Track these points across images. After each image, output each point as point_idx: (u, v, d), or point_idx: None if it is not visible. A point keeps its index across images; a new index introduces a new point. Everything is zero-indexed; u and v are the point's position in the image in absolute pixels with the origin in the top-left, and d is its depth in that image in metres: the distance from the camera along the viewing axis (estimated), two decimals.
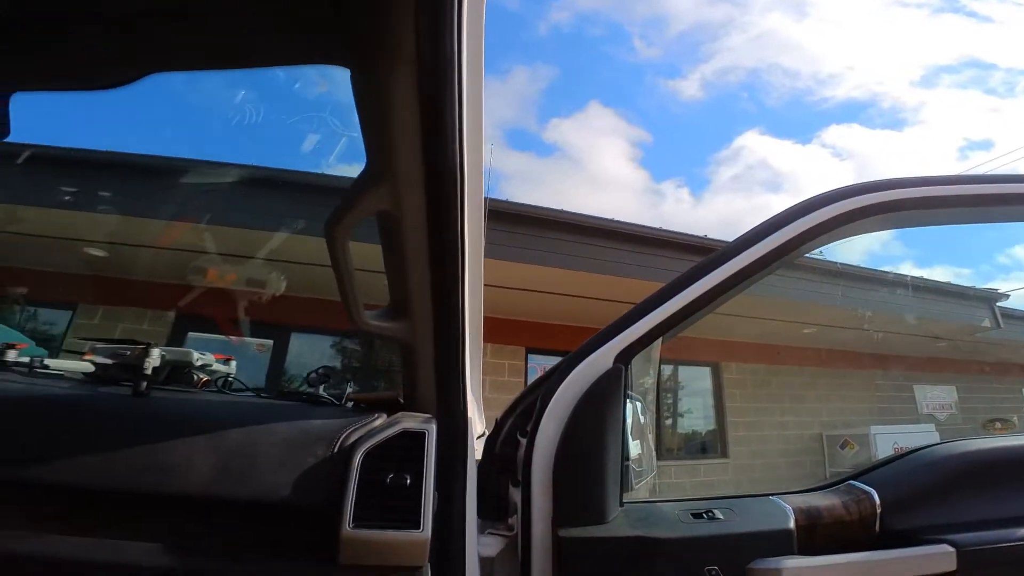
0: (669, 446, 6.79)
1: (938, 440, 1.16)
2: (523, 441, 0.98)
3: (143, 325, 4.82)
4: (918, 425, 7.03)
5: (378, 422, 0.87)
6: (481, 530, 1.02)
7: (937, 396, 7.87)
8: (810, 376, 7.32)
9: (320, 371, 1.07)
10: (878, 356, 7.48)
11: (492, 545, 1.01)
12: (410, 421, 0.84)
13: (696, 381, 7.17)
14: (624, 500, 0.98)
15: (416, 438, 0.81)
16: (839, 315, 6.20)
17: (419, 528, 0.73)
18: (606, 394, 0.93)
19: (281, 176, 3.53)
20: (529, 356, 5.93)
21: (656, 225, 5.43)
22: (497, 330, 5.67)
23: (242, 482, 0.74)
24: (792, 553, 0.92)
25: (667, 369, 6.92)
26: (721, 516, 0.96)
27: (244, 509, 0.76)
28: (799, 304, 5.86)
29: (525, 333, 5.86)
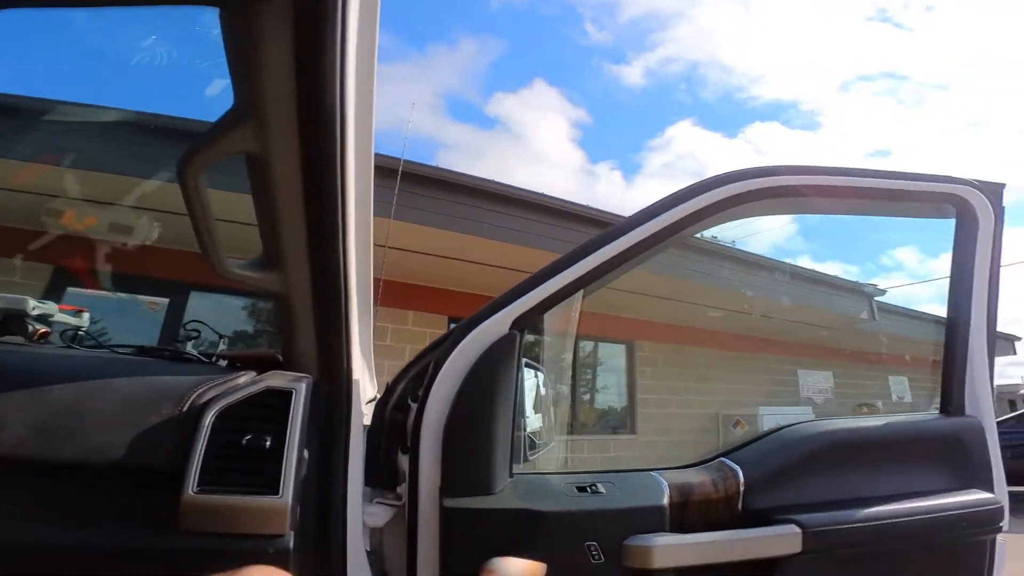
0: (583, 421, 7.06)
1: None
2: (414, 406, 0.93)
3: (13, 278, 4.22)
4: (799, 408, 7.81)
5: (242, 379, 0.78)
6: (369, 499, 0.98)
7: (817, 381, 8.78)
8: (713, 358, 7.86)
9: (189, 326, 0.96)
10: (772, 341, 8.19)
11: (380, 515, 0.97)
12: (277, 379, 0.77)
13: (613, 358, 7.48)
14: (514, 471, 0.96)
15: (282, 397, 0.74)
16: (741, 301, 6.69)
17: (278, 494, 0.67)
18: (500, 360, 0.90)
19: (150, 120, 3.15)
20: (451, 325, 5.88)
21: (587, 204, 5.54)
22: (420, 298, 5.57)
23: (66, 442, 0.64)
24: (664, 529, 0.94)
25: (587, 346, 7.15)
26: (603, 490, 0.96)
27: (72, 473, 0.66)
28: (708, 289, 6.23)
29: (448, 302, 5.79)
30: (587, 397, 7.27)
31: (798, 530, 0.95)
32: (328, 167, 0.67)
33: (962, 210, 1.15)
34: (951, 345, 1.14)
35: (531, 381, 1.26)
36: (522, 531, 0.87)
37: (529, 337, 1.30)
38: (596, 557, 0.88)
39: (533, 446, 1.28)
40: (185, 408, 0.70)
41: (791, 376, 8.68)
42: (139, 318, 4.43)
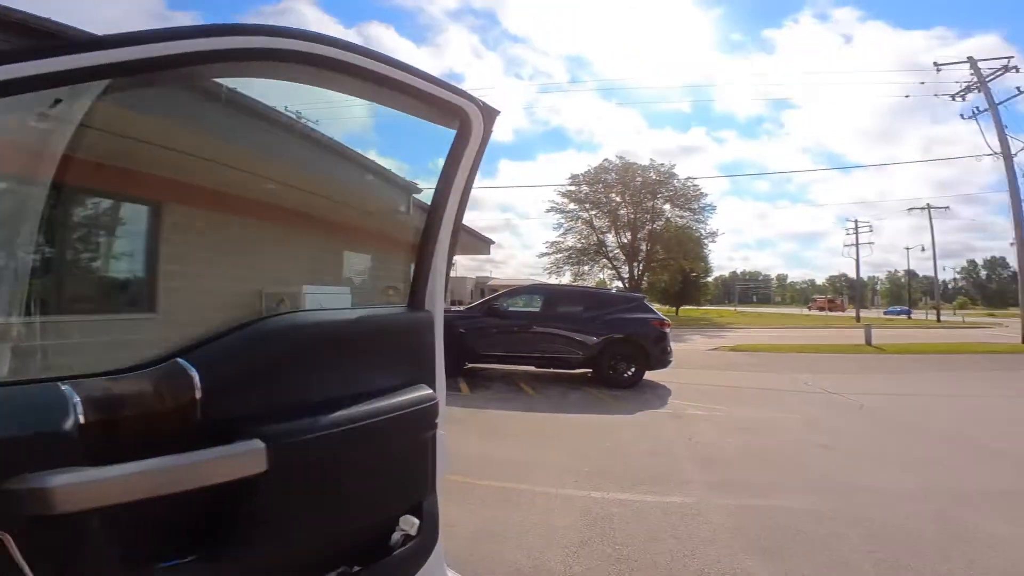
0: (71, 296, 5.39)
1: (350, 301, 1.14)
2: None
3: None
4: (340, 287, 8.51)
5: None
6: None
7: (357, 263, 9.81)
8: (262, 231, 7.42)
9: None
10: (324, 221, 8.44)
11: None
12: None
13: (129, 221, 5.94)
14: None
15: None
16: (299, 177, 6.46)
17: None
18: None
19: None
20: None
21: None
22: None
23: None
24: (77, 461, 0.70)
25: (95, 203, 5.36)
26: None
27: None
28: (269, 161, 5.67)
29: None
30: (80, 267, 5.55)
31: (262, 445, 0.83)
32: None
33: (464, 124, 1.22)
34: (424, 246, 1.22)
35: None
36: None
37: None
38: None
39: None
40: None
41: (338, 256, 9.30)
42: None
